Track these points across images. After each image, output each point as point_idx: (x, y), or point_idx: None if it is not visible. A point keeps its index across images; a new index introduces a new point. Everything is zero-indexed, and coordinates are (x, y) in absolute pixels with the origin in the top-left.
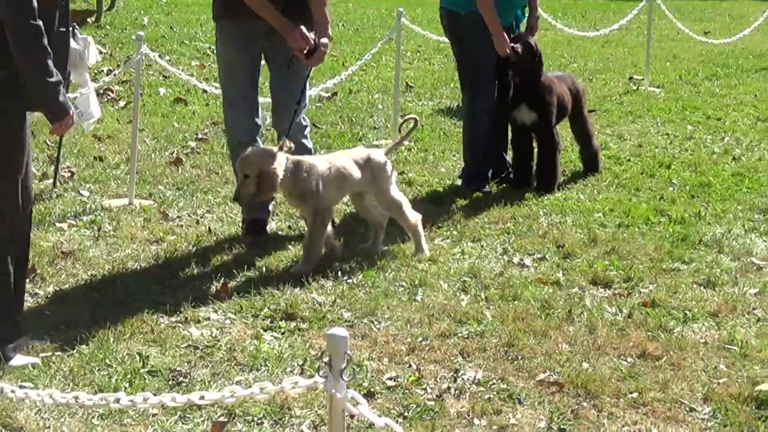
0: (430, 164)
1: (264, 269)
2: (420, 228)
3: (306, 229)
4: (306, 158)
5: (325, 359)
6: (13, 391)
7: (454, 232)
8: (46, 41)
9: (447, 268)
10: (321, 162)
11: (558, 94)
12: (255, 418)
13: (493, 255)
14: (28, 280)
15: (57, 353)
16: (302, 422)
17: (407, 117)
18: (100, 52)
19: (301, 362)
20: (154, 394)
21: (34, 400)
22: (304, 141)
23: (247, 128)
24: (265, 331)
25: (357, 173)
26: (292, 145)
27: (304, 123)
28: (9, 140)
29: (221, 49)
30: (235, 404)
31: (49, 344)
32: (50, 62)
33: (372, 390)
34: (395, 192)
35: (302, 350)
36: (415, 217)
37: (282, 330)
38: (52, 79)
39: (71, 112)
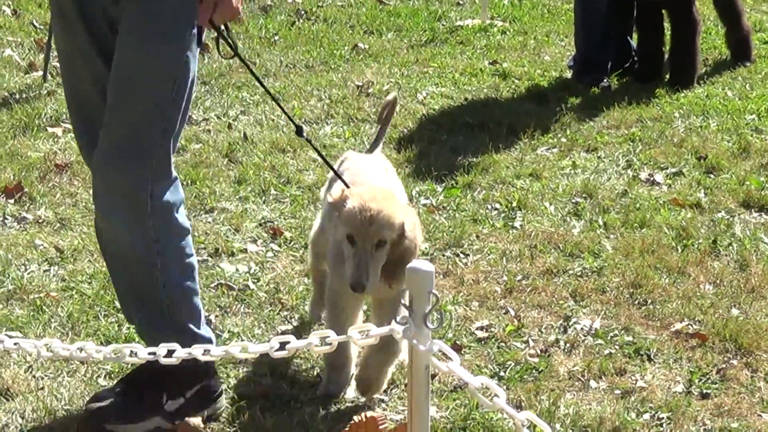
0: (530, 51)
1: (320, 180)
2: None
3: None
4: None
5: (404, 301)
6: (0, 341)
7: (563, 140)
8: None
9: (554, 185)
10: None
11: None
12: (308, 378)
13: (614, 169)
14: (12, 201)
15: (52, 294)
16: None
17: (386, 100)
18: None
19: (365, 306)
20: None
21: (28, 351)
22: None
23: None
24: None
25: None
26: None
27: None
28: None
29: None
30: (286, 359)
31: (38, 283)
32: None
33: (458, 342)
34: None
35: None
36: None
37: None
38: None
39: None
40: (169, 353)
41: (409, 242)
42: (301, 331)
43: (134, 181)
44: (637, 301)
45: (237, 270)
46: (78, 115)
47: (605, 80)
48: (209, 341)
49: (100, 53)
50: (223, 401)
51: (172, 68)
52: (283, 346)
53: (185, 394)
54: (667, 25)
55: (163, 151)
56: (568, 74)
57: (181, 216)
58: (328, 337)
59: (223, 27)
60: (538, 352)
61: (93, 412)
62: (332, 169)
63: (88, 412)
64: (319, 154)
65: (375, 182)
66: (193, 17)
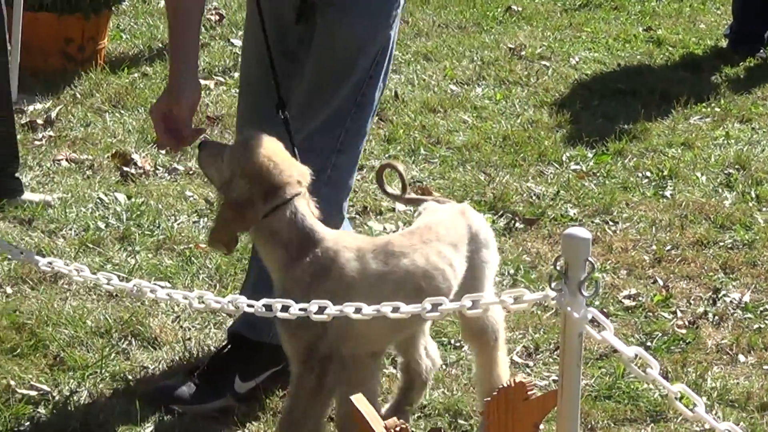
0: (685, 18)
1: (470, 141)
2: None
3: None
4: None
5: (560, 266)
6: (153, 291)
7: (717, 110)
8: None
9: (706, 155)
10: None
11: None
12: (453, 341)
13: None
14: (164, 152)
15: (200, 245)
16: (513, 348)
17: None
18: None
19: (512, 270)
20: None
21: (179, 302)
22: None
23: None
24: None
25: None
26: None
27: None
28: None
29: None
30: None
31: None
32: None
33: (605, 310)
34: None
35: (514, 255)
36: None
37: None
38: None
39: None
40: (320, 310)
41: (238, 208)
42: None
43: (320, 147)
44: None
45: (384, 228)
46: (246, 88)
47: (762, 51)
48: None
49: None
50: None
51: (375, 45)
52: (435, 307)
53: (258, 376)
54: None
55: (353, 125)
56: (724, 43)
57: (345, 203)
58: (480, 300)
59: None
60: (686, 323)
61: (162, 390)
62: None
63: (157, 389)
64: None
65: (441, 240)
66: None
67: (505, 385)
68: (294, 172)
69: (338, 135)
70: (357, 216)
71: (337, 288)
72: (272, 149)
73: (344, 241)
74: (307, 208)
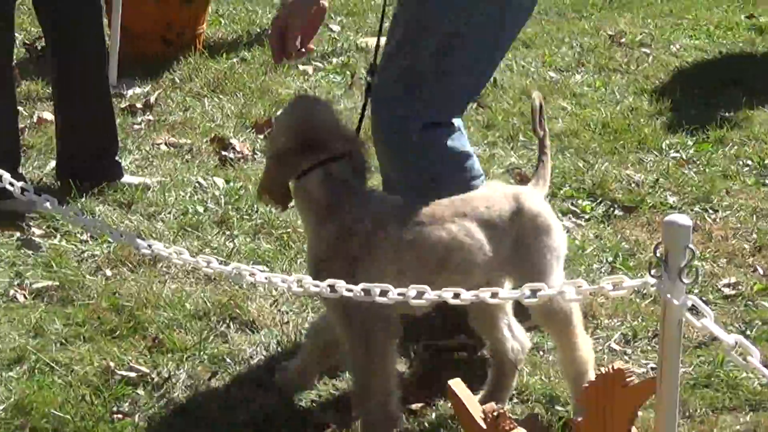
0: None
1: (569, 128)
2: None
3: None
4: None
5: (659, 253)
6: (252, 275)
7: None
8: None
9: None
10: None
11: None
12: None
13: None
14: (262, 136)
15: (298, 230)
16: (610, 336)
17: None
18: None
19: (611, 258)
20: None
21: (278, 286)
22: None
23: None
24: (564, 215)
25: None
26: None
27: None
28: None
29: None
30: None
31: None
32: None
33: (704, 298)
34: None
35: (612, 242)
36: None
37: (587, 215)
38: None
39: None
40: (419, 295)
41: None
42: None
43: (403, 112)
44: None
45: None
46: None
47: None
48: None
49: None
50: None
51: (461, 11)
52: (534, 293)
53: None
54: None
55: (439, 91)
56: None
57: (442, 164)
58: (581, 286)
59: None
60: None
61: None
62: None
63: None
64: None
65: (476, 216)
66: None
67: (590, 370)
68: (334, 137)
69: (421, 99)
70: None
71: (358, 254)
72: (318, 110)
73: (373, 207)
74: (346, 173)
